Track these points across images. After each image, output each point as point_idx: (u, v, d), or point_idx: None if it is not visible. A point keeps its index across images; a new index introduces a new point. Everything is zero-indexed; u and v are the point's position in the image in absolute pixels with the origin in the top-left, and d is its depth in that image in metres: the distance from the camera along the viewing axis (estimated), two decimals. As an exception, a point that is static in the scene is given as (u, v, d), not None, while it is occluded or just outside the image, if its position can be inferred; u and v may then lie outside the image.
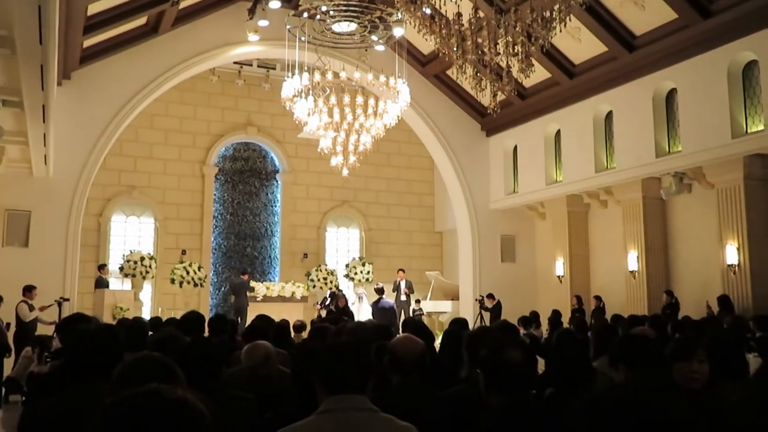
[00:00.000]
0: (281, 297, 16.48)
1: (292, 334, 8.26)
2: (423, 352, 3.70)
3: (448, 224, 20.92)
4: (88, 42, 14.19)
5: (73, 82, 14.86)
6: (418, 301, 18.14)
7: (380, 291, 15.24)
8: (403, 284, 17.51)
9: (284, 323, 7.30)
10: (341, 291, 16.37)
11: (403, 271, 17.93)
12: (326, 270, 18.71)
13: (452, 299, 18.78)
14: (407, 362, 3.60)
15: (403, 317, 15.70)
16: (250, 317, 7.56)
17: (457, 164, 18.50)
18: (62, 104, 13.81)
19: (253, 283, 17.00)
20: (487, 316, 16.35)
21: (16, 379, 9.71)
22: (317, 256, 20.71)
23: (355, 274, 19.43)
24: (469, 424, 3.01)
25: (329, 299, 16.37)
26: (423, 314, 17.53)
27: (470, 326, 9.06)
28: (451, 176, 18.71)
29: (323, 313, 15.47)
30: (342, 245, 21.59)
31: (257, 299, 16.21)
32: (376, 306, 14.59)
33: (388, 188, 21.84)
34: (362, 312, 16.32)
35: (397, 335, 4.35)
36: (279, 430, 2.63)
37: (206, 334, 6.59)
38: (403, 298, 17.34)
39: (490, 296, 16.73)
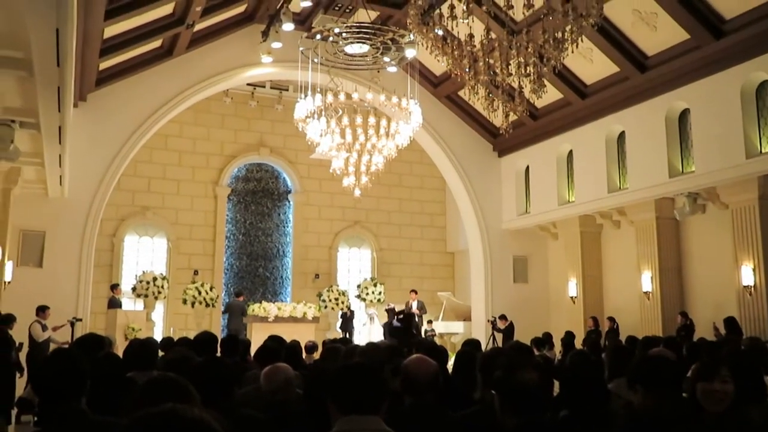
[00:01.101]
0: (293, 318, 16.43)
1: (304, 355, 8.23)
2: (436, 373, 3.67)
3: (460, 245, 20.87)
4: (104, 64, 14.34)
5: (89, 104, 15.01)
6: (430, 322, 18.06)
7: (391, 311, 15.18)
8: (415, 305, 17.45)
9: (295, 344, 7.26)
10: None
11: (416, 292, 17.87)
12: (338, 290, 18.70)
13: (464, 320, 18.69)
14: (420, 383, 3.56)
15: (415, 338, 15.60)
16: (261, 338, 7.53)
17: (469, 185, 18.50)
18: (78, 126, 13.94)
19: (264, 304, 16.92)
20: (499, 337, 16.25)
21: (29, 400, 9.71)
22: (329, 276, 20.70)
23: (367, 294, 19.39)
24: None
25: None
26: (435, 335, 17.44)
27: (482, 347, 8.99)
28: (463, 196, 18.70)
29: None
30: (353, 266, 21.57)
31: (269, 320, 16.17)
32: (388, 326, 14.53)
33: (400, 209, 21.86)
34: (373, 332, 16.26)
35: (410, 357, 4.31)
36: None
37: (218, 354, 6.56)
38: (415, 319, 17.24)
39: (503, 317, 16.64)
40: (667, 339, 9.27)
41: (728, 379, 3.29)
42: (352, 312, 18.12)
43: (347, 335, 16.72)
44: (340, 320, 18.02)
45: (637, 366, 3.51)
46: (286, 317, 16.34)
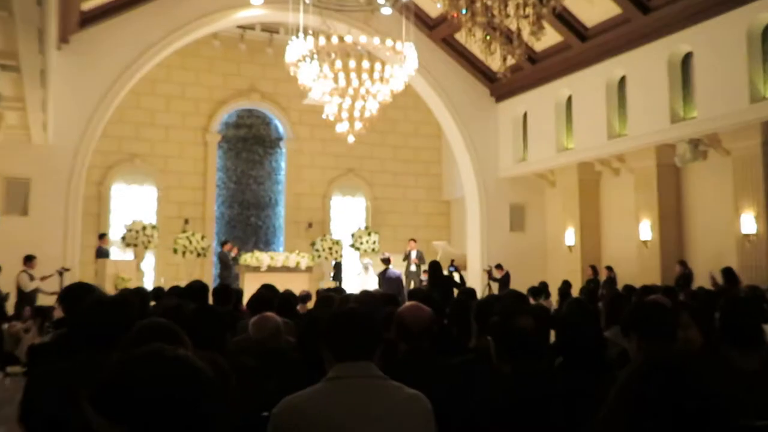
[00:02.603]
0: (286, 267, 16.47)
1: (298, 305, 8.30)
2: (431, 320, 3.72)
3: (456, 193, 20.91)
4: (87, 4, 14.10)
5: (72, 47, 14.78)
6: (426, 272, 18.18)
7: (386, 261, 15.24)
8: (413, 254, 17.55)
9: (289, 294, 7.34)
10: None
11: (415, 241, 17.97)
12: (331, 240, 18.76)
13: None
14: (415, 330, 3.62)
15: (413, 287, 15.76)
16: (253, 288, 7.61)
17: (465, 131, 18.43)
18: (61, 69, 13.75)
19: (257, 254, 16.91)
20: (495, 286, 16.40)
21: (11, 353, 9.80)
22: (322, 225, 20.75)
23: (361, 244, 19.46)
24: (479, 393, 3.04)
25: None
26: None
27: (478, 297, 9.09)
28: (459, 144, 18.66)
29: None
30: (347, 215, 21.63)
31: (261, 269, 16.24)
32: (383, 276, 14.64)
33: (395, 156, 21.80)
34: (368, 282, 16.33)
35: (405, 304, 4.37)
36: (287, 396, 2.65)
37: (210, 303, 6.63)
38: (413, 268, 17.40)
39: (499, 267, 16.77)
40: (665, 288, 9.37)
41: (690, 325, 3.35)
42: (338, 263, 18.21)
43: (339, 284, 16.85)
44: (333, 271, 18.08)
45: (631, 312, 3.56)
46: (279, 267, 16.40)
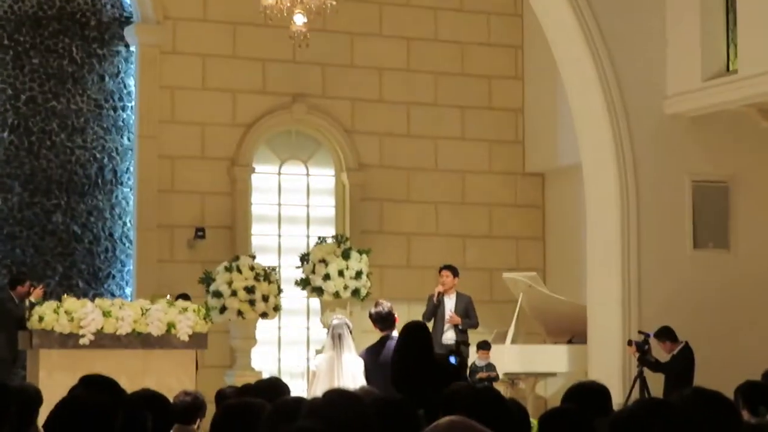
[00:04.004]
0: (140, 336, 16.56)
1: (173, 425, 8.39)
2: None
3: (560, 157, 21.04)
4: None
5: None
6: (482, 347, 18.32)
7: (386, 320, 15.37)
8: (450, 305, 17.67)
9: (149, 399, 7.38)
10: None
11: (453, 272, 18.10)
12: (254, 267, 18.82)
13: (569, 340, 18.93)
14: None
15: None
16: (62, 385, 7.66)
17: (585, 8, 18.46)
18: None
19: (70, 304, 16.99)
20: (657, 380, 16.50)
21: None
22: (230, 233, 20.89)
23: (327, 278, 19.55)
24: None
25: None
26: (497, 378, 17.71)
27: (615, 403, 9.21)
28: (569, 38, 18.72)
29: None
30: (292, 207, 21.81)
31: (81, 342, 16.34)
32: (376, 355, 14.76)
33: (408, 64, 21.93)
34: (345, 369, 16.46)
35: (438, 421, 4.44)
36: None
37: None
38: (450, 338, 17.51)
39: (666, 334, 16.84)
40: None
41: None
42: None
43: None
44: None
45: None
46: (126, 335, 16.49)
